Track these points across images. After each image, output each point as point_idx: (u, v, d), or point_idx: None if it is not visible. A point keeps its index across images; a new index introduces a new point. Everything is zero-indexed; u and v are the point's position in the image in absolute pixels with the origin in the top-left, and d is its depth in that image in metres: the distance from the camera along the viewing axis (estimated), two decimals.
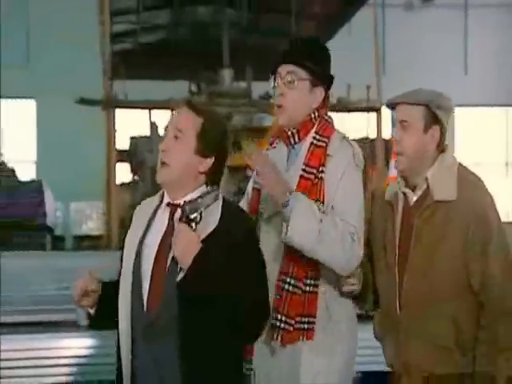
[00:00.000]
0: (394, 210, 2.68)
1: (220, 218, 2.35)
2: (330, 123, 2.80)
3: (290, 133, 2.76)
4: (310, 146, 2.73)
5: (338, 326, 2.71)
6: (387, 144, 10.12)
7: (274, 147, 2.86)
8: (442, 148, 2.67)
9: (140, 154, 9.94)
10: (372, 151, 10.15)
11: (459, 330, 2.56)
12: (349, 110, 10.47)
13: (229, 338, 2.31)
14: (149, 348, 2.29)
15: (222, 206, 2.39)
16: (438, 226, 2.58)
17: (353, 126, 12.10)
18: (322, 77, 2.78)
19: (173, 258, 2.29)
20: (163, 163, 2.36)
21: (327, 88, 2.82)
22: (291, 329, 2.65)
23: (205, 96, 10.48)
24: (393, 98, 2.71)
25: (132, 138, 10.40)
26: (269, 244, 2.69)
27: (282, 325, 2.65)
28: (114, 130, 8.96)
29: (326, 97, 2.82)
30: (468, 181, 2.62)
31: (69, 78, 14.97)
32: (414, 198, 2.65)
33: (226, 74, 10.18)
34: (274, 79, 2.79)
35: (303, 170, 2.71)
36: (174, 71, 11.98)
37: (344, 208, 2.65)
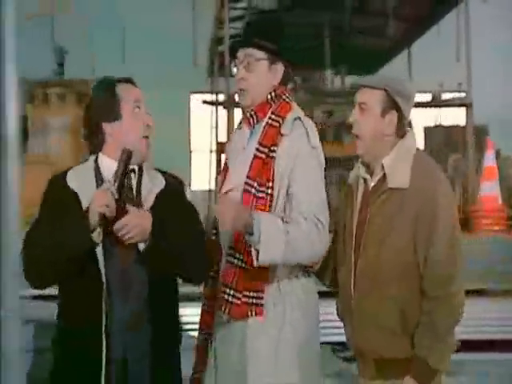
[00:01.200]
0: (354, 194, 2.72)
1: (165, 179, 2.63)
2: (287, 102, 2.79)
3: (248, 114, 2.79)
4: (265, 126, 2.74)
5: (287, 298, 2.71)
6: (478, 133, 11.00)
7: (240, 128, 2.91)
8: (401, 134, 2.66)
9: None
10: (463, 138, 11.07)
11: (406, 316, 2.56)
12: (442, 106, 11.23)
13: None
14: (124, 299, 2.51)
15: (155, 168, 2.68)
16: (390, 214, 2.58)
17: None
18: (280, 53, 2.78)
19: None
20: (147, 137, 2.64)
21: (287, 62, 2.82)
22: (239, 302, 2.68)
23: (303, 92, 11.34)
24: (355, 81, 2.78)
25: None
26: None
27: (231, 298, 2.69)
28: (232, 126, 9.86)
29: (287, 72, 2.82)
30: (422, 169, 2.61)
31: (162, 75, 15.94)
32: (372, 184, 2.66)
33: (328, 73, 11.02)
34: (235, 65, 2.82)
35: (257, 149, 2.72)
36: None
37: (305, 198, 2.65)
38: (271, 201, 2.67)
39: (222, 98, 11.22)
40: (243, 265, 2.67)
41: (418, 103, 11.93)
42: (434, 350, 2.51)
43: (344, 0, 11.00)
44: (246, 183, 2.69)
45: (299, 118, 2.74)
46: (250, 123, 2.79)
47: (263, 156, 2.69)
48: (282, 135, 2.71)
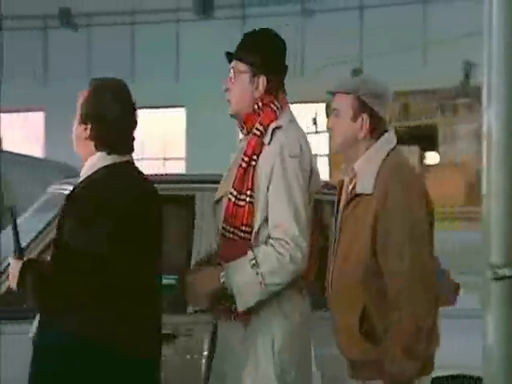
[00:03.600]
0: (339, 198, 2.72)
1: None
2: (274, 111, 2.79)
3: (239, 126, 2.84)
4: (250, 136, 2.78)
5: (288, 321, 2.70)
6: None
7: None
8: (377, 135, 2.63)
9: None
10: None
11: (367, 322, 2.53)
12: None
13: None
14: None
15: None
16: (357, 219, 2.57)
17: None
18: (261, 66, 2.79)
19: None
20: None
21: (274, 75, 2.81)
22: (222, 308, 2.72)
23: None
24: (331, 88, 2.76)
25: None
26: (216, 229, 2.85)
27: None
28: None
29: (273, 84, 2.81)
30: (386, 171, 2.56)
31: None
32: (350, 188, 2.65)
33: None
34: None
35: (242, 160, 2.75)
36: None
37: (276, 218, 2.67)
38: (251, 209, 2.70)
39: None
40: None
41: None
42: (403, 363, 2.44)
43: None
44: (230, 192, 2.75)
45: (280, 127, 2.76)
46: (243, 133, 2.85)
47: (244, 165, 2.74)
48: (263, 144, 2.75)
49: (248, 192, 2.70)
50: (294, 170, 2.69)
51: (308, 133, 13.97)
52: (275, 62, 2.84)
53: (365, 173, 2.58)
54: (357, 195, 2.57)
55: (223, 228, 2.75)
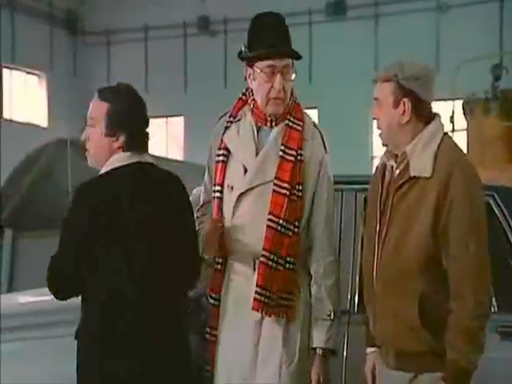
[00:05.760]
0: (381, 182, 2.64)
1: None
2: (298, 104, 2.80)
3: (270, 118, 2.74)
4: (286, 128, 2.73)
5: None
6: None
7: (239, 120, 2.81)
8: (425, 119, 2.56)
9: None
10: None
11: (426, 310, 2.47)
12: None
13: None
14: None
15: None
16: (412, 203, 2.51)
17: None
18: (298, 56, 2.77)
19: None
20: (86, 150, 2.66)
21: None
22: (273, 303, 2.69)
23: None
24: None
25: None
26: (245, 215, 2.74)
27: (266, 300, 2.68)
28: None
29: None
30: (445, 156, 2.50)
31: None
32: (397, 172, 2.59)
33: None
34: (272, 71, 2.71)
35: (283, 151, 2.71)
36: None
37: (315, 220, 2.77)
38: (302, 204, 2.73)
39: None
40: (277, 266, 2.70)
41: None
42: (467, 351, 2.43)
43: None
44: (275, 184, 2.71)
45: (315, 125, 2.80)
46: (267, 125, 2.77)
47: (292, 159, 2.71)
48: (305, 140, 2.75)
49: (299, 187, 2.73)
50: (329, 168, 2.84)
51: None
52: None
53: (421, 156, 2.53)
54: (411, 178, 2.53)
55: (272, 221, 2.70)
